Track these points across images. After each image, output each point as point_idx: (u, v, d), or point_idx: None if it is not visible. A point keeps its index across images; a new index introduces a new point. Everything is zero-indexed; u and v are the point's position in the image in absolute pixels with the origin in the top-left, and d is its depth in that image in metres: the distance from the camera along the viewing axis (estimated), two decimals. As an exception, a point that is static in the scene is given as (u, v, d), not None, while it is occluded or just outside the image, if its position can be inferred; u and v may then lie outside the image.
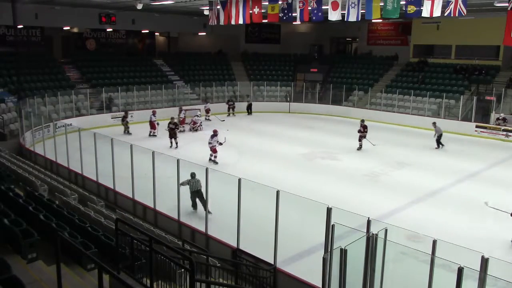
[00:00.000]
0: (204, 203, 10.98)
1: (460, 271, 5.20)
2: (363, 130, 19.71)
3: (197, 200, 11.75)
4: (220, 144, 17.08)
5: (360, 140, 19.71)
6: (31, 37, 28.51)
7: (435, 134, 20.33)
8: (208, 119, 26.63)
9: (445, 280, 5.92)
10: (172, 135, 19.72)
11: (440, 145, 20.19)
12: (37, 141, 18.33)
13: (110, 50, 32.73)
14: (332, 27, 33.69)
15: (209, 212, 10.50)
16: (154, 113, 22.61)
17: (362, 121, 20.10)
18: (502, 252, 10.01)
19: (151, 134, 22.14)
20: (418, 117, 26.26)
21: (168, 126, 19.85)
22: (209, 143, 17.20)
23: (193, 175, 11.82)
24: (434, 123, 20.77)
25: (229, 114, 28.62)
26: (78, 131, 14.64)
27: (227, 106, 28.95)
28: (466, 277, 5.24)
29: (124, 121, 22.66)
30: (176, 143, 19.67)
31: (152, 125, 22.16)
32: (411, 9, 13.79)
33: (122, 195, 12.76)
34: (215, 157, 17.15)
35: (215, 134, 17.28)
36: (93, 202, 11.34)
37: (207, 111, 27.24)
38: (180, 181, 11.01)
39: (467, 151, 20.42)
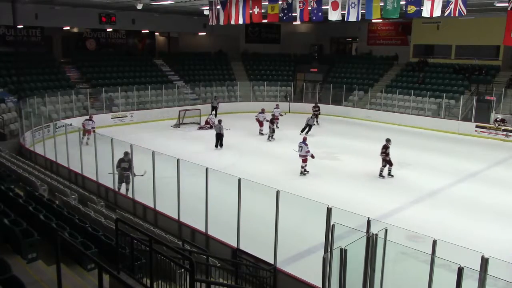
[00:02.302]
0: (221, 143, 19.51)
1: (460, 271, 5.20)
2: (385, 151, 15.93)
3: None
4: (312, 156, 15.76)
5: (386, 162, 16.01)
6: (31, 37, 28.52)
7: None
8: (277, 127, 23.22)
9: (445, 280, 5.92)
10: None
11: (305, 131, 22.40)
12: (37, 141, 18.32)
13: (110, 50, 32.75)
14: (332, 27, 33.68)
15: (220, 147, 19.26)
16: (263, 111, 23.24)
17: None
18: (502, 252, 10.00)
19: (260, 132, 22.68)
20: (418, 117, 26.27)
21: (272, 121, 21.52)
22: (306, 151, 15.67)
23: (219, 121, 19.73)
24: (313, 112, 23.28)
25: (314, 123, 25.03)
26: (78, 131, 14.63)
27: (312, 112, 25.54)
28: (466, 277, 5.24)
29: (274, 124, 21.58)
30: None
31: (260, 123, 22.69)
32: (411, 9, 13.79)
33: (122, 195, 12.77)
34: (305, 165, 15.97)
35: (305, 141, 16.00)
36: (93, 202, 11.33)
37: (276, 118, 23.86)
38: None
39: (468, 151, 20.41)
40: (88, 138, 18.78)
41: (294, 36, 38.34)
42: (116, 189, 12.96)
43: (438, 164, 17.73)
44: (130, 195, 12.49)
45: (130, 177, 12.55)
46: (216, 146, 19.40)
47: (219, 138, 19.48)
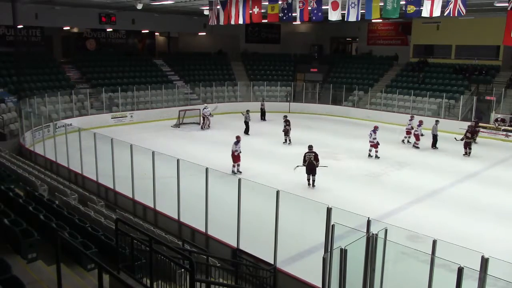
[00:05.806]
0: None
1: (460, 271, 5.20)
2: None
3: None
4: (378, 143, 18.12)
5: None
6: (31, 37, 28.52)
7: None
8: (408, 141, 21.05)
9: (445, 280, 5.92)
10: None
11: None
12: (37, 141, 18.33)
13: (110, 50, 32.75)
14: (332, 27, 33.70)
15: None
16: (421, 123, 20.31)
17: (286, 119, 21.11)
18: (502, 252, 10.00)
19: (406, 141, 21.08)
20: (418, 117, 26.21)
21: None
22: (374, 138, 18.04)
23: (247, 111, 23.34)
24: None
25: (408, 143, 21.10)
26: (78, 131, 14.65)
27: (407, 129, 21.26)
28: (466, 277, 5.24)
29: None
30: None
31: (416, 137, 20.25)
32: (411, 9, 13.80)
33: (122, 195, 12.76)
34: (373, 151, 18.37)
35: (375, 129, 18.44)
36: (93, 202, 11.33)
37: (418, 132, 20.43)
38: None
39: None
40: (238, 165, 15.83)
41: (294, 36, 38.34)
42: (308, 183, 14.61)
43: (438, 164, 17.73)
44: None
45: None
46: (246, 133, 22.56)
47: (247, 126, 23.13)
